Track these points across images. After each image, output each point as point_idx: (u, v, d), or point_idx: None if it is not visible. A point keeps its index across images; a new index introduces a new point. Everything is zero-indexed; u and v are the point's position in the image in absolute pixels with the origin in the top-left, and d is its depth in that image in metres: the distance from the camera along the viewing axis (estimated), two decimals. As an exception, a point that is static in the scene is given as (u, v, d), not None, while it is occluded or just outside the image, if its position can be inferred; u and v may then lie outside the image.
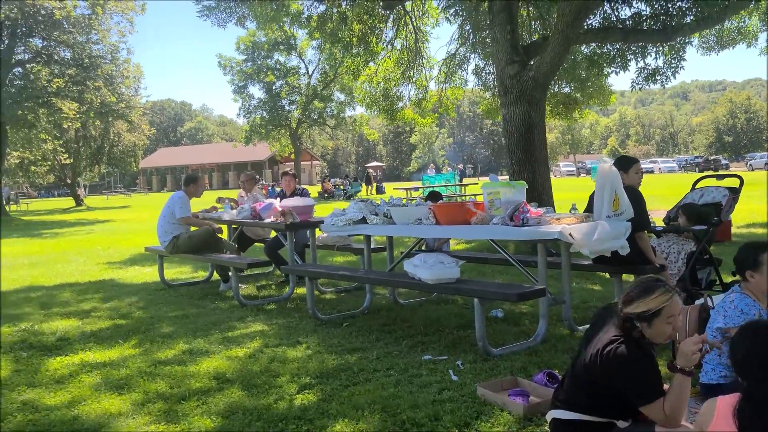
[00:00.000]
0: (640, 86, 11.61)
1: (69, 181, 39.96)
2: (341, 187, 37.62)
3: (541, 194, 9.00)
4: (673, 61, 11.36)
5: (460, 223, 5.23)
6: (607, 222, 4.70)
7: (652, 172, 55.41)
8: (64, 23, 25.37)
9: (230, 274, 7.55)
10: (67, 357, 5.03)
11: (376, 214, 5.99)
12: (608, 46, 11.53)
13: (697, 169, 56.33)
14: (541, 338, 4.82)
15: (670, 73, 11.30)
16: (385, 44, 14.26)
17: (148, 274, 9.42)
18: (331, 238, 7.58)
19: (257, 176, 10.17)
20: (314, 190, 35.34)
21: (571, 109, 14.80)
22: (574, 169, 67.38)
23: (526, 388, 3.82)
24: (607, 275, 6.97)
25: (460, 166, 46.08)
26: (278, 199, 7.76)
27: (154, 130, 51.59)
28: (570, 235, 4.44)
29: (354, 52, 13.50)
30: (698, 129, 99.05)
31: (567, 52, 9.62)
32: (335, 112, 45.05)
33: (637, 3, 10.69)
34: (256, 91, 45.61)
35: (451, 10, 13.76)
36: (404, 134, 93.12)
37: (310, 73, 45.39)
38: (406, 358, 4.60)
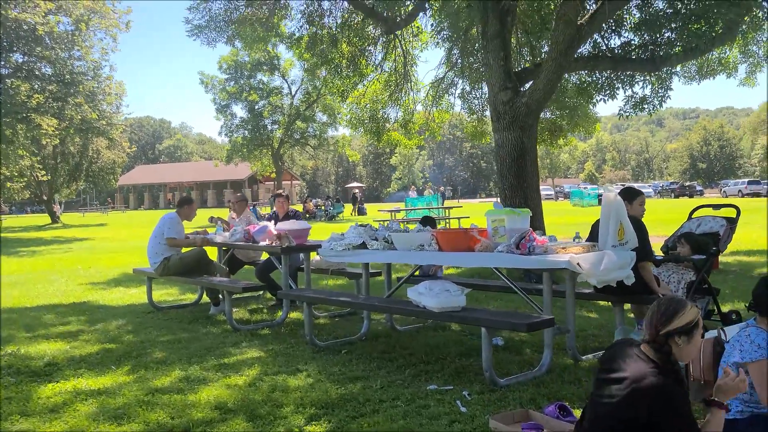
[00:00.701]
0: (628, 114, 11.76)
1: (45, 198, 39.30)
2: (323, 207, 37.44)
3: (533, 220, 8.98)
4: (659, 90, 11.54)
5: (464, 250, 5.17)
6: (613, 251, 4.70)
7: (629, 197, 56.00)
8: (47, 39, 25.09)
9: (221, 297, 7.43)
10: (58, 384, 4.86)
11: (376, 239, 5.90)
12: (597, 74, 11.69)
13: (672, 194, 57.31)
14: (546, 368, 4.77)
15: (657, 102, 11.47)
16: (374, 66, 14.29)
17: (134, 295, 9.22)
18: (325, 261, 7.48)
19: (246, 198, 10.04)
20: (296, 211, 35.07)
21: (556, 136, 14.92)
22: (553, 192, 68.11)
23: (538, 421, 3.75)
24: (602, 303, 6.99)
25: (441, 188, 46.20)
26: (272, 221, 7.66)
27: (135, 147, 51.08)
28: (578, 264, 4.43)
29: (344, 74, 13.51)
30: (673, 155, 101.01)
31: (560, 80, 9.72)
32: (317, 132, 45.04)
33: (626, 32, 10.88)
34: (239, 110, 45.51)
35: (441, 34, 13.84)
36: (384, 155, 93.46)
37: (293, 93, 45.40)
38: (411, 387, 4.51)
